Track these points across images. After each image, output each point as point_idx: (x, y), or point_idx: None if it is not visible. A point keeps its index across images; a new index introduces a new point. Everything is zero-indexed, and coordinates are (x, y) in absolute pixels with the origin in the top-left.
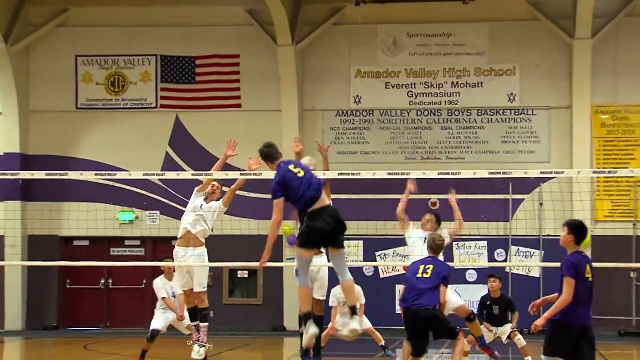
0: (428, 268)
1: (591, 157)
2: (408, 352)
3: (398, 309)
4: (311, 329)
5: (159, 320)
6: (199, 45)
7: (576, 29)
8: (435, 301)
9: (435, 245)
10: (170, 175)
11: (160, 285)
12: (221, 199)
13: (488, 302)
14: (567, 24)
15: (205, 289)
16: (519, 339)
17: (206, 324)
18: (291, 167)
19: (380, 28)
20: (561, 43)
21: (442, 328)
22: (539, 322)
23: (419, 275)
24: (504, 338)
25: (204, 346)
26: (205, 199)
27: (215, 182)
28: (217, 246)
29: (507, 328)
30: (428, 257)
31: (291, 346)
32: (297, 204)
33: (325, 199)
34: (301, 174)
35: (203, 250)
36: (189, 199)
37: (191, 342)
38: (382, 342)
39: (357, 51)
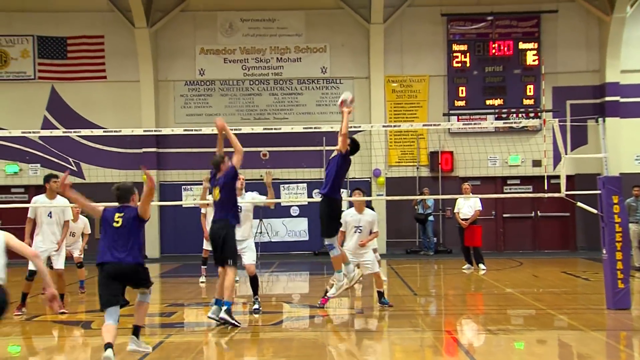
0: None
1: (385, 116)
2: None
3: None
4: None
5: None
6: (69, 28)
7: (371, 16)
8: None
9: None
10: (45, 133)
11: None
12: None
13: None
14: (365, 12)
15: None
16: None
17: None
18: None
19: (219, 14)
20: (361, 27)
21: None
22: None
23: None
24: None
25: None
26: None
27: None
28: None
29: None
30: None
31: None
32: None
33: None
34: None
35: None
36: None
37: None
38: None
39: (201, 33)
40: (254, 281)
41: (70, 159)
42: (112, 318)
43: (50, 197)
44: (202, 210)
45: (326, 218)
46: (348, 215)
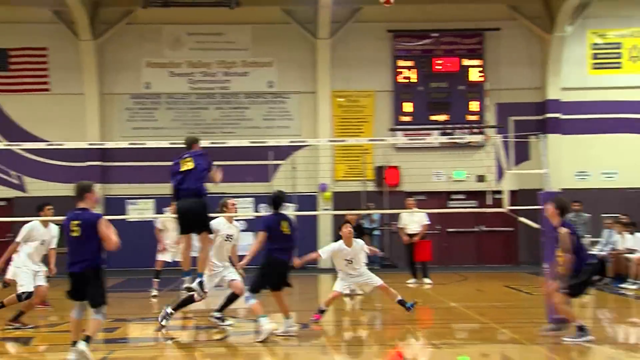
0: None
1: (331, 131)
2: None
3: None
4: None
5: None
6: (11, 39)
7: (318, 31)
8: None
9: None
10: None
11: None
12: None
13: None
14: (311, 27)
15: None
16: None
17: None
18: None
19: (165, 28)
20: (307, 42)
21: None
22: None
23: None
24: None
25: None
26: None
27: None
28: None
29: None
30: None
31: None
32: None
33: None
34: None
35: None
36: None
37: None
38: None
39: (147, 46)
40: (235, 298)
41: (13, 172)
42: (75, 311)
43: (45, 224)
44: (159, 226)
45: (260, 273)
46: (340, 251)
